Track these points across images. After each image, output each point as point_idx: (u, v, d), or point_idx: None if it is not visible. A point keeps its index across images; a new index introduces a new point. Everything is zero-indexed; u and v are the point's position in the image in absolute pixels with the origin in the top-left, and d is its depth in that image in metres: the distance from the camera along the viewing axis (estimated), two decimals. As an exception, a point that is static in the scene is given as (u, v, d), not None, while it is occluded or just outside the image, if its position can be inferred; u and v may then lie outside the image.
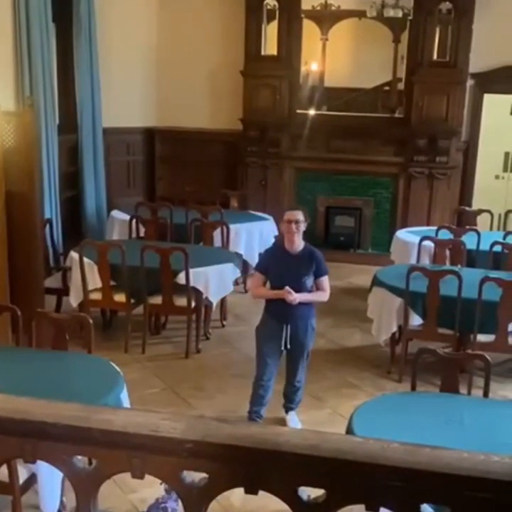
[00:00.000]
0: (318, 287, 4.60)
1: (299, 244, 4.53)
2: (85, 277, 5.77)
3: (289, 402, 4.74)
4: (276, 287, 4.50)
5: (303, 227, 4.50)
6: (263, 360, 4.57)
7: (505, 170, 8.83)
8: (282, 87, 8.54)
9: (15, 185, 5.28)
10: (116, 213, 7.77)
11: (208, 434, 1.44)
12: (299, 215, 4.49)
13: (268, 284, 4.63)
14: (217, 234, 6.93)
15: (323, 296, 4.62)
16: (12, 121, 5.25)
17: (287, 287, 4.41)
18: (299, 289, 4.45)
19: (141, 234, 7.14)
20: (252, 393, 4.63)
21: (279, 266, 4.54)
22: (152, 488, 3.21)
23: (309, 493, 1.48)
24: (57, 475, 2.94)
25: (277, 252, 4.66)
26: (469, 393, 4.29)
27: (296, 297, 4.41)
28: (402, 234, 7.39)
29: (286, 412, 4.74)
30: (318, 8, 8.67)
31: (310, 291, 4.56)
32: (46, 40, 7.15)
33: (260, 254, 4.94)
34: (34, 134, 5.70)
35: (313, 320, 4.65)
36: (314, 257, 4.54)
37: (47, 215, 7.06)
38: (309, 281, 4.53)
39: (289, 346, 4.55)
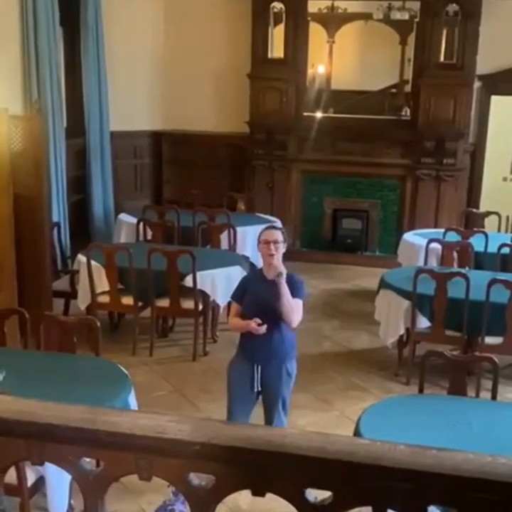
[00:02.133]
0: None
1: (278, 268, 3.92)
2: (93, 280, 5.79)
3: None
4: (248, 317, 3.94)
5: (282, 248, 3.96)
6: (233, 403, 4.05)
7: (512, 172, 8.81)
8: (289, 89, 8.54)
9: (23, 188, 5.31)
10: (123, 216, 7.79)
11: (215, 436, 1.44)
12: (278, 235, 3.96)
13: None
14: (224, 236, 6.93)
15: (296, 313, 3.90)
16: (20, 125, 5.29)
17: (256, 318, 3.85)
18: (272, 319, 3.87)
19: (149, 237, 7.15)
20: None
21: (253, 292, 4.01)
22: (159, 490, 3.22)
23: (316, 495, 1.48)
24: (66, 477, 2.95)
25: (254, 277, 4.22)
26: (477, 396, 4.28)
27: (264, 328, 3.83)
28: (409, 236, 7.38)
29: None
30: (325, 10, 8.67)
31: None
32: (53, 44, 7.18)
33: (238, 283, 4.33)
34: (42, 138, 5.73)
35: (290, 363, 4.00)
36: (292, 282, 3.94)
37: (55, 219, 7.09)
38: None
39: (260, 388, 3.99)
